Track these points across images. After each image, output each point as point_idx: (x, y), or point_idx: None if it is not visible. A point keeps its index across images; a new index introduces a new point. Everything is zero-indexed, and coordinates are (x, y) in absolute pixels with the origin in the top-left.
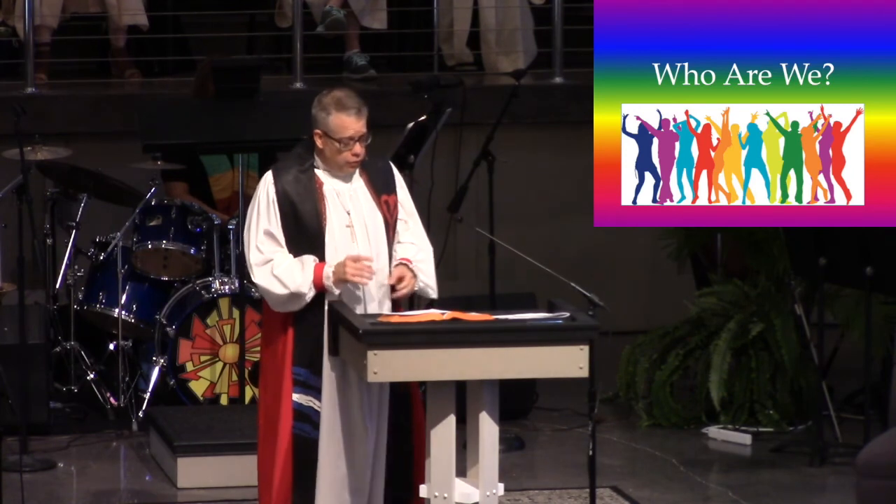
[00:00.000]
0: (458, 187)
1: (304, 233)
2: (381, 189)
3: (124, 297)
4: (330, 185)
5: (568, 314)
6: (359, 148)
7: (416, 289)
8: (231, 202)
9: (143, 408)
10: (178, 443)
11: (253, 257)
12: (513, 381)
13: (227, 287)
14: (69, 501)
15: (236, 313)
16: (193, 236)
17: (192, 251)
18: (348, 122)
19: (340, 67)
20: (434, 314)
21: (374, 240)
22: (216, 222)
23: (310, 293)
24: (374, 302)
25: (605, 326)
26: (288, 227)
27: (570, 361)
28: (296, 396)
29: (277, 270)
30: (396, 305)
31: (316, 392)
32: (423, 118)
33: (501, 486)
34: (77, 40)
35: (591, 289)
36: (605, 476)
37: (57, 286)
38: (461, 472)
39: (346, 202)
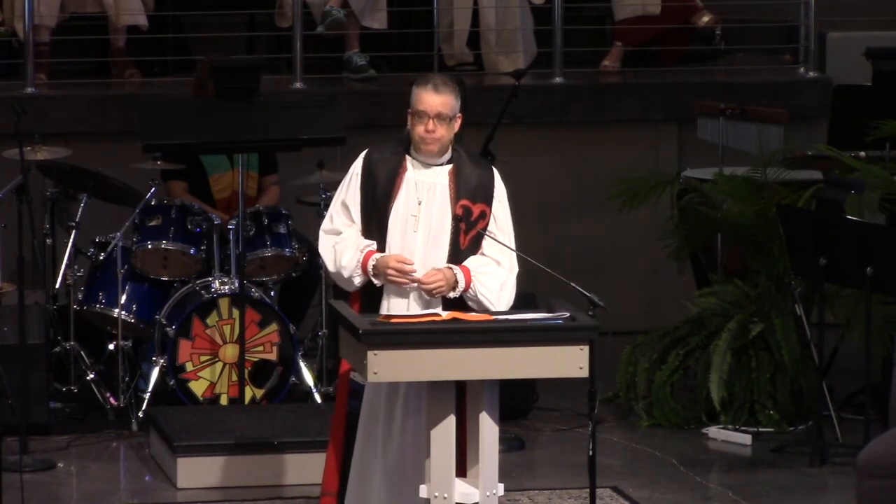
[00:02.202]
0: None
1: (374, 211)
2: (467, 193)
3: (124, 297)
4: (413, 172)
5: (568, 314)
6: (432, 125)
7: (452, 294)
8: (231, 202)
9: (143, 408)
10: (178, 443)
11: (324, 224)
12: (513, 381)
13: (226, 287)
14: (69, 501)
15: (236, 313)
16: (193, 236)
17: (191, 251)
18: (423, 96)
19: (340, 67)
20: (434, 314)
21: (436, 235)
22: (216, 222)
23: (357, 277)
24: (422, 297)
25: (605, 326)
26: (365, 202)
27: (570, 361)
28: (353, 374)
29: (339, 246)
30: (448, 305)
31: None
32: None
33: (501, 486)
34: (77, 40)
35: (591, 289)
36: (605, 476)
37: (56, 286)
38: (461, 472)
39: (422, 192)
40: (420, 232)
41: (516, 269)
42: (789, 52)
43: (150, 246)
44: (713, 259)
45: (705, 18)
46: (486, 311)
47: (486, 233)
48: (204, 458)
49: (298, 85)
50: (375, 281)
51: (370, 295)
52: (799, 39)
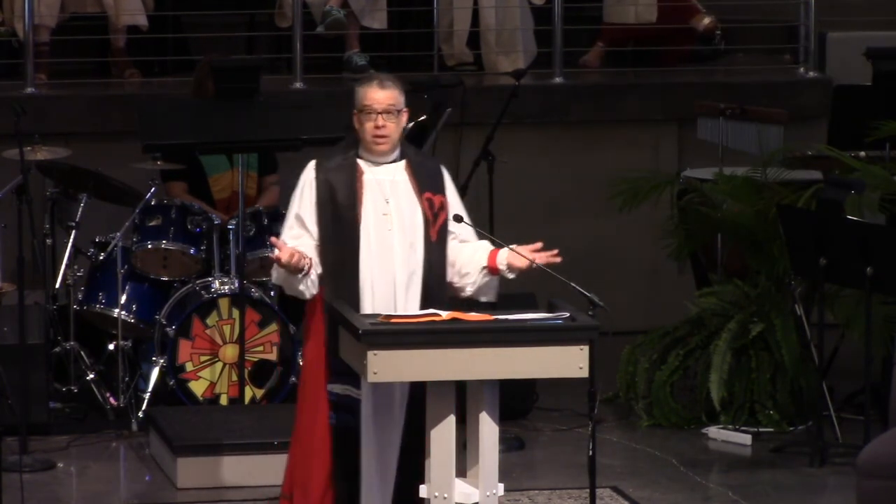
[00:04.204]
0: (458, 187)
1: (341, 219)
2: (426, 186)
3: (124, 297)
4: (371, 174)
5: (568, 314)
6: (381, 121)
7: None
8: (231, 202)
9: (143, 408)
10: (178, 443)
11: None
12: (513, 381)
13: (226, 287)
14: (69, 502)
15: (236, 313)
16: (193, 236)
17: (191, 251)
18: (369, 92)
19: (340, 67)
20: (434, 314)
21: (411, 231)
22: (216, 222)
23: (291, 280)
24: (403, 290)
25: (605, 326)
26: (324, 213)
27: (570, 361)
28: (331, 386)
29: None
30: (427, 300)
31: (352, 379)
32: (423, 118)
33: (501, 486)
34: (77, 40)
35: (591, 289)
36: (605, 476)
37: (56, 286)
38: (461, 472)
39: (386, 191)
40: (395, 229)
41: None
42: (789, 52)
43: (150, 246)
44: (713, 259)
45: (705, 21)
46: (490, 298)
47: (455, 218)
48: (204, 458)
49: (298, 85)
50: (299, 275)
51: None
52: (799, 39)
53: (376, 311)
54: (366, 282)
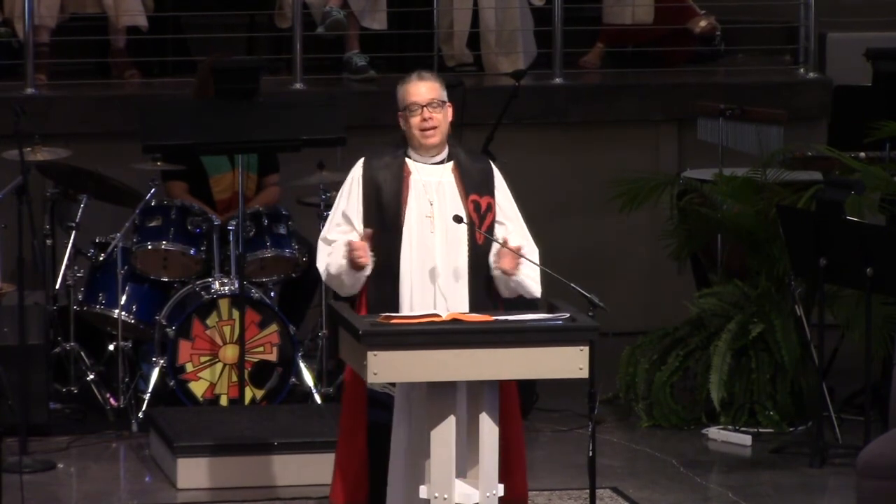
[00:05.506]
0: None
1: (384, 218)
2: (472, 188)
3: (124, 298)
4: (418, 174)
5: (568, 315)
6: (427, 113)
7: (515, 276)
8: (231, 203)
9: (143, 409)
10: (178, 443)
11: (323, 231)
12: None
13: (226, 288)
14: (69, 502)
15: (236, 314)
16: (193, 237)
17: (191, 252)
18: (411, 88)
19: (340, 68)
20: (434, 315)
21: (453, 234)
22: (216, 223)
23: (346, 275)
24: (444, 292)
25: (604, 327)
26: (370, 210)
27: (569, 362)
28: (370, 383)
29: (332, 257)
30: (475, 302)
31: None
32: None
33: (501, 486)
34: (77, 41)
35: (590, 289)
36: (605, 477)
37: (56, 287)
38: (461, 472)
39: (431, 193)
40: (437, 232)
41: (537, 251)
42: (789, 53)
43: (149, 246)
44: (713, 259)
45: (702, 23)
46: (529, 292)
47: (492, 237)
48: (204, 458)
49: (298, 86)
50: (359, 272)
51: (382, 303)
52: (799, 40)
53: (414, 313)
54: (405, 283)
